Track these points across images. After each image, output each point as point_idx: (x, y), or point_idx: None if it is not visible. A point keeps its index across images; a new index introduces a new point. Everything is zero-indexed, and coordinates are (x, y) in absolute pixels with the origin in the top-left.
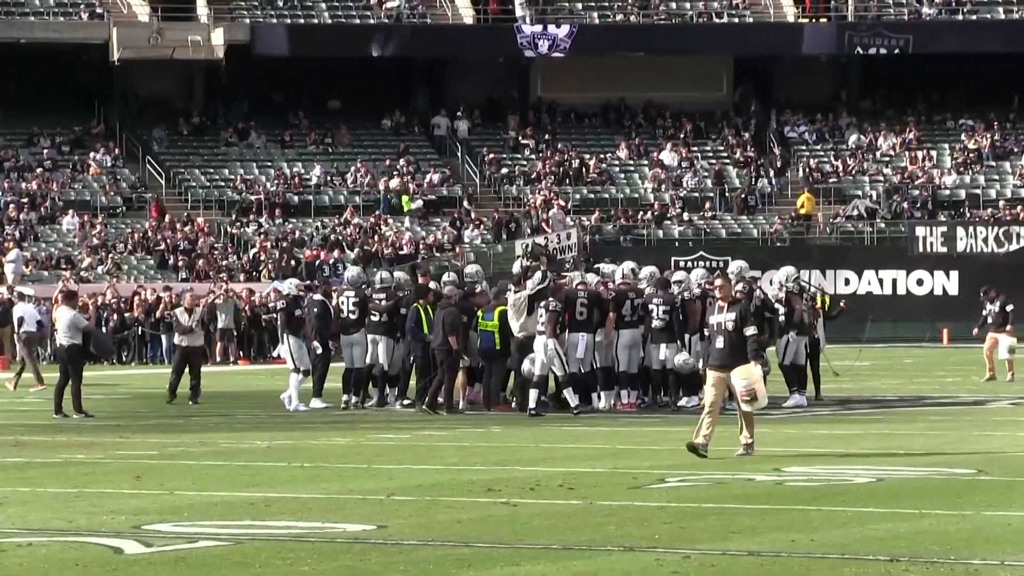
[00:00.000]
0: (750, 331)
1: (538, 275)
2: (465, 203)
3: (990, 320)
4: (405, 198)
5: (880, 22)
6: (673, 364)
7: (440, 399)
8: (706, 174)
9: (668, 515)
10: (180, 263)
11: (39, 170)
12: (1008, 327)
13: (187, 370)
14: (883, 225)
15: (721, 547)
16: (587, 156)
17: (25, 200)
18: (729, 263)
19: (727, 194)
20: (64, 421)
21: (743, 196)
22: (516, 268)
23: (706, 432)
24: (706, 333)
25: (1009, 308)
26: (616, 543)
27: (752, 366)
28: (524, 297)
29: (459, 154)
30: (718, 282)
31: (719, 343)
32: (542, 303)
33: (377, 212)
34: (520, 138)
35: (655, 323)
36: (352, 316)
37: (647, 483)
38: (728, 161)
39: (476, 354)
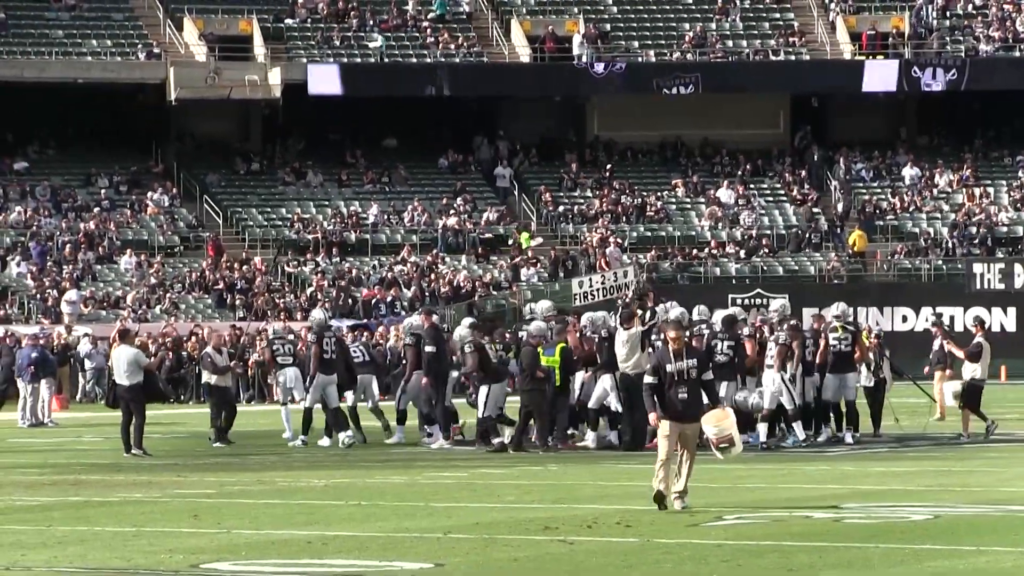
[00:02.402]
0: (708, 375)
1: (649, 312)
2: (517, 242)
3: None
4: (525, 235)
5: (937, 59)
6: (734, 402)
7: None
8: (763, 212)
9: (726, 553)
10: (237, 302)
11: (97, 210)
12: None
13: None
14: (940, 262)
15: None
16: (644, 194)
17: (83, 239)
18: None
19: (784, 231)
20: (127, 459)
21: (800, 233)
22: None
23: (663, 476)
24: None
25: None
26: None
27: (721, 410)
28: (637, 334)
29: (516, 192)
30: (671, 333)
31: (681, 392)
32: (772, 337)
33: (434, 250)
34: (577, 176)
35: (719, 359)
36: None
37: (704, 521)
38: (785, 199)
39: None
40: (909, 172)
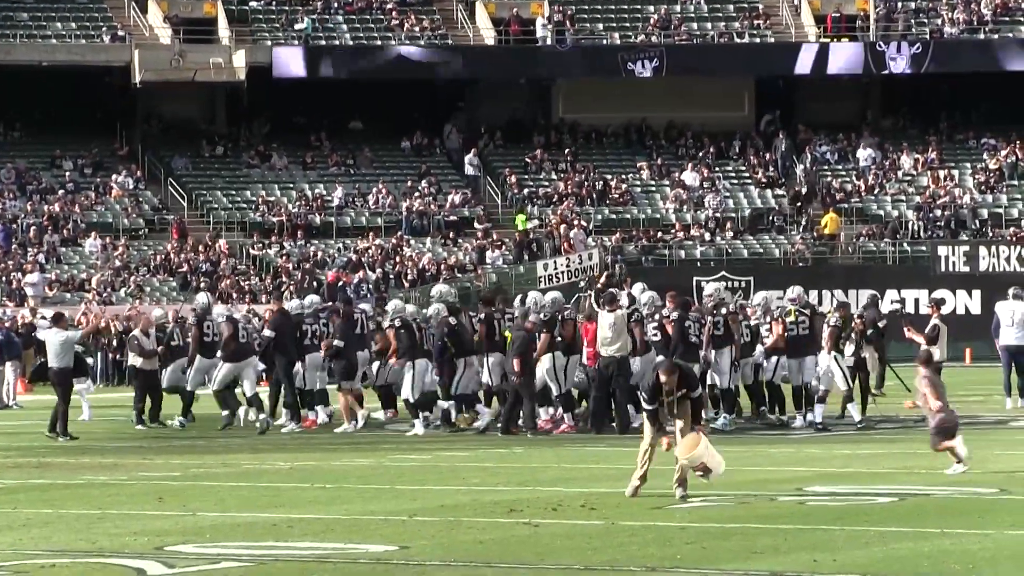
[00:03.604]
0: (697, 392)
1: (626, 298)
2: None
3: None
4: (522, 216)
5: (902, 41)
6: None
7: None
8: (728, 194)
9: (690, 535)
10: (202, 285)
11: (61, 192)
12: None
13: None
14: (905, 245)
15: (743, 567)
16: (608, 177)
17: (48, 222)
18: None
19: (749, 214)
20: (69, 443)
21: (764, 216)
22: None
23: (640, 472)
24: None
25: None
26: (638, 563)
27: (694, 435)
28: (623, 316)
29: (481, 175)
30: (663, 376)
31: (671, 426)
32: (826, 320)
33: (399, 233)
34: (542, 159)
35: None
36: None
37: (669, 503)
38: (750, 181)
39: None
40: (863, 154)
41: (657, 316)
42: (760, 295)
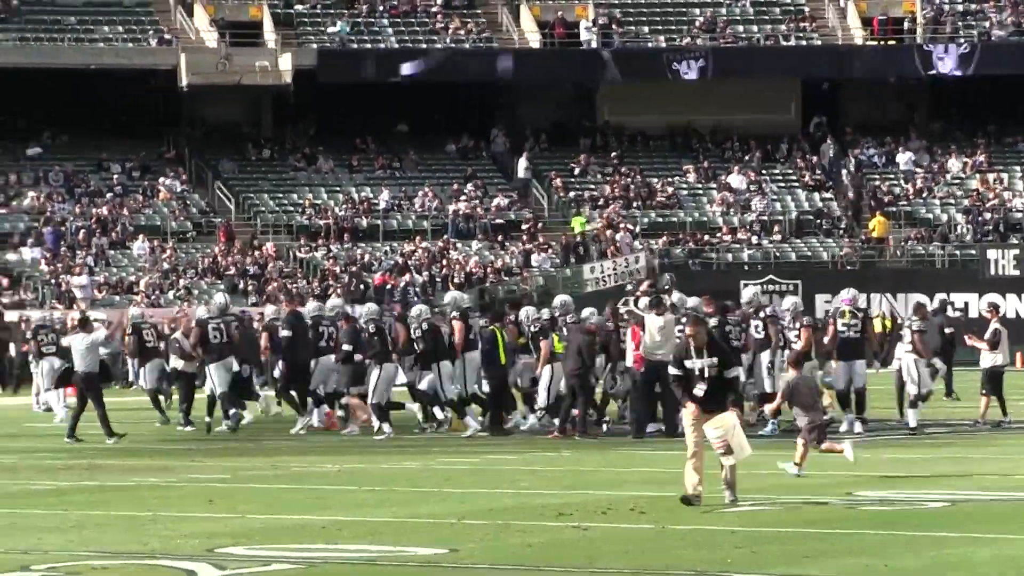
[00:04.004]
0: (732, 373)
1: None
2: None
3: None
4: (580, 219)
5: (949, 44)
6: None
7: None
8: (775, 197)
9: (740, 539)
10: (250, 288)
11: (109, 195)
12: None
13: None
14: (954, 248)
15: (794, 571)
16: (654, 180)
17: (96, 225)
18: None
19: (796, 217)
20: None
21: (812, 219)
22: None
23: (693, 478)
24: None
25: None
26: (688, 567)
27: (727, 414)
28: (672, 320)
29: (528, 179)
30: (688, 329)
31: (698, 389)
32: (909, 325)
33: (445, 236)
34: (588, 162)
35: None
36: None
37: (719, 507)
38: (797, 184)
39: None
40: (904, 157)
41: None
42: (789, 300)
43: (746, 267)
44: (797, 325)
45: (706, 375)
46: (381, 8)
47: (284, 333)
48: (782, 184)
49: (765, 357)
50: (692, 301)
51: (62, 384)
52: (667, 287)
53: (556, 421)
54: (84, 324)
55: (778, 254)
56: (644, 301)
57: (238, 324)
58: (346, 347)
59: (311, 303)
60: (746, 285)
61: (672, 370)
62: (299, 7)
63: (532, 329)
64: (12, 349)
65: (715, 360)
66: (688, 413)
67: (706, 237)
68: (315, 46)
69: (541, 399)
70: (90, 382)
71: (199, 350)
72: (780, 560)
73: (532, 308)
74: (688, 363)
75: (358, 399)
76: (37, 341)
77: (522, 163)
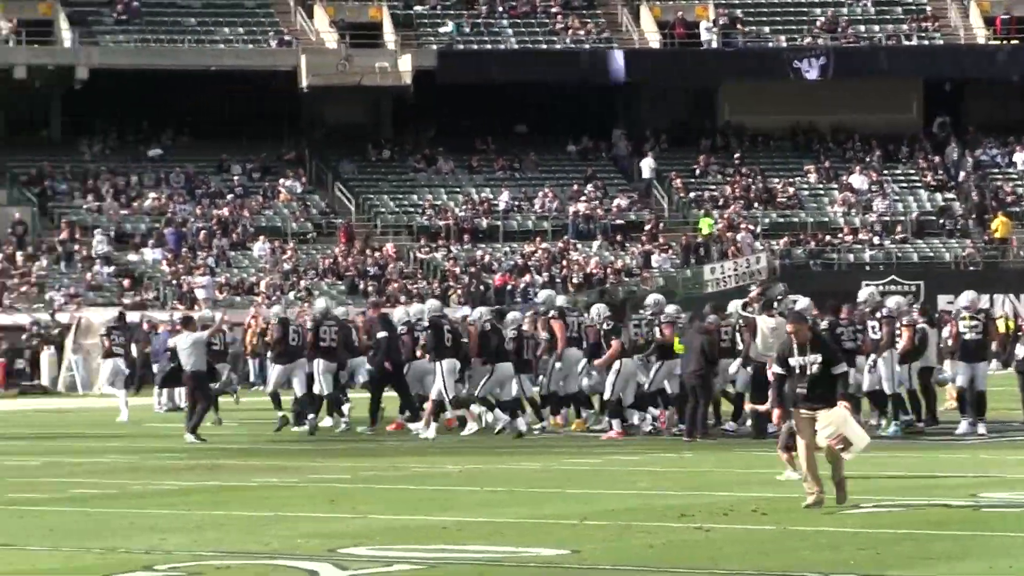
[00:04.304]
0: (839, 369)
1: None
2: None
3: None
4: (707, 220)
5: None
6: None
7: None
8: (896, 198)
9: (863, 541)
10: (370, 288)
11: (230, 196)
12: None
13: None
14: None
15: (917, 573)
16: (775, 180)
17: (217, 226)
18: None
19: (918, 217)
20: (191, 443)
21: (934, 219)
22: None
23: (814, 490)
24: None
25: None
26: (811, 568)
27: (837, 409)
28: (783, 323)
29: (648, 179)
30: (790, 326)
31: (801, 387)
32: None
33: (565, 237)
34: (708, 163)
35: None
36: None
37: (841, 508)
38: (919, 184)
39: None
40: (1021, 157)
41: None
42: (893, 299)
43: (867, 268)
44: (899, 324)
45: (808, 372)
46: (501, 8)
47: (381, 334)
48: (904, 184)
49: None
50: (803, 303)
51: (168, 384)
52: (779, 296)
53: (609, 420)
54: (187, 323)
55: (900, 255)
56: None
57: (338, 328)
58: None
59: (399, 309)
60: (867, 286)
61: (775, 368)
62: (419, 8)
63: (605, 327)
64: (134, 350)
65: (819, 357)
66: (792, 422)
67: (827, 238)
68: (435, 47)
69: (606, 394)
70: (198, 381)
71: (273, 350)
72: (903, 561)
73: (603, 306)
74: (792, 360)
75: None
76: (110, 339)
77: (647, 163)
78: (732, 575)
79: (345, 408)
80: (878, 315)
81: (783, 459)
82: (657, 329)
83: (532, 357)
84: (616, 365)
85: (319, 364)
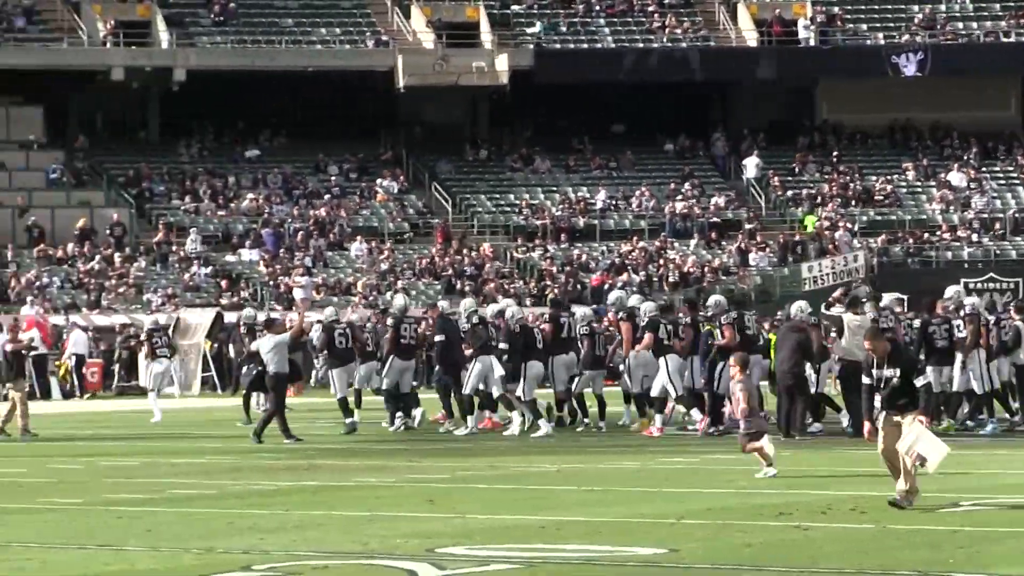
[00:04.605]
0: (920, 381)
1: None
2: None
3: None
4: (811, 217)
5: None
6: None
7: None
8: (995, 195)
9: (962, 539)
10: (466, 288)
11: (327, 196)
12: None
13: None
14: None
15: (1017, 572)
16: (873, 178)
17: (314, 226)
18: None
19: (1017, 215)
20: (297, 445)
21: None
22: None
23: (903, 487)
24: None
25: None
26: (909, 567)
27: (912, 425)
28: (868, 321)
29: (744, 177)
30: (867, 343)
31: (882, 395)
32: None
33: (662, 235)
34: (805, 161)
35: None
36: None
37: (940, 507)
38: (1018, 181)
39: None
40: None
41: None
42: (952, 289)
43: (966, 265)
44: (961, 315)
45: (888, 384)
46: (598, 7)
47: (438, 338)
48: (1002, 181)
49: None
50: (887, 298)
51: (256, 389)
52: (863, 300)
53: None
54: (270, 325)
55: (998, 252)
56: (836, 308)
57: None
58: (503, 345)
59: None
60: (966, 284)
61: (864, 379)
62: (515, 7)
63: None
64: (231, 350)
65: (897, 371)
66: (868, 432)
67: (925, 235)
68: (531, 46)
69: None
70: (279, 382)
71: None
72: (1004, 560)
73: (651, 303)
74: (875, 372)
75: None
76: (151, 343)
77: (752, 161)
78: (831, 573)
79: (417, 412)
80: (961, 313)
81: (752, 452)
82: (718, 331)
83: (603, 353)
84: (663, 360)
85: (398, 363)
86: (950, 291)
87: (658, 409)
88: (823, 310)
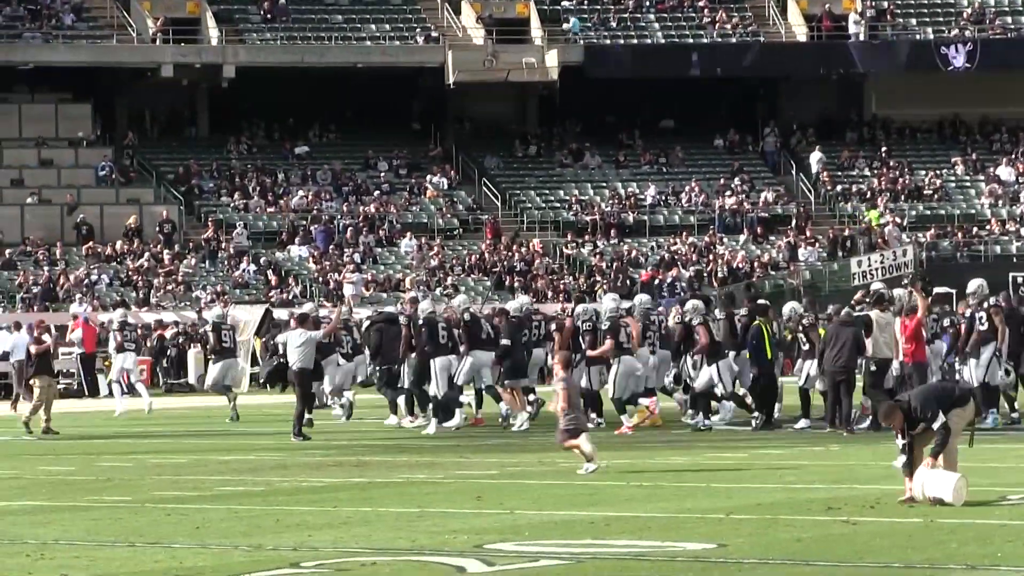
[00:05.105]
0: (937, 423)
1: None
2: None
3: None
4: (874, 212)
5: None
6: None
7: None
8: None
9: (1010, 533)
10: (516, 284)
11: (376, 193)
12: None
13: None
14: None
15: None
16: (922, 172)
17: (364, 223)
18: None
19: None
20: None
21: None
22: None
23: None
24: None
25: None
26: (958, 561)
27: (921, 468)
28: (891, 319)
29: (793, 172)
30: (882, 421)
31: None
32: None
33: (712, 230)
34: (855, 155)
35: None
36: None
37: (988, 500)
38: None
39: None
40: None
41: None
42: (975, 282)
43: (1015, 259)
44: (985, 307)
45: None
46: (648, 3)
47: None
48: None
49: (990, 349)
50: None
51: (274, 380)
52: (887, 297)
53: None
54: (303, 320)
55: None
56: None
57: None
58: (505, 342)
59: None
60: (1015, 278)
61: (899, 442)
62: (565, 3)
63: (596, 326)
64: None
65: (919, 428)
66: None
67: (974, 230)
68: (582, 42)
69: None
70: (303, 378)
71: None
72: None
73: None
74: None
75: (516, 392)
76: (122, 335)
77: (816, 156)
78: (879, 568)
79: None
80: (986, 305)
81: (570, 449)
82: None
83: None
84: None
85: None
86: (973, 284)
87: (620, 410)
88: (850, 310)
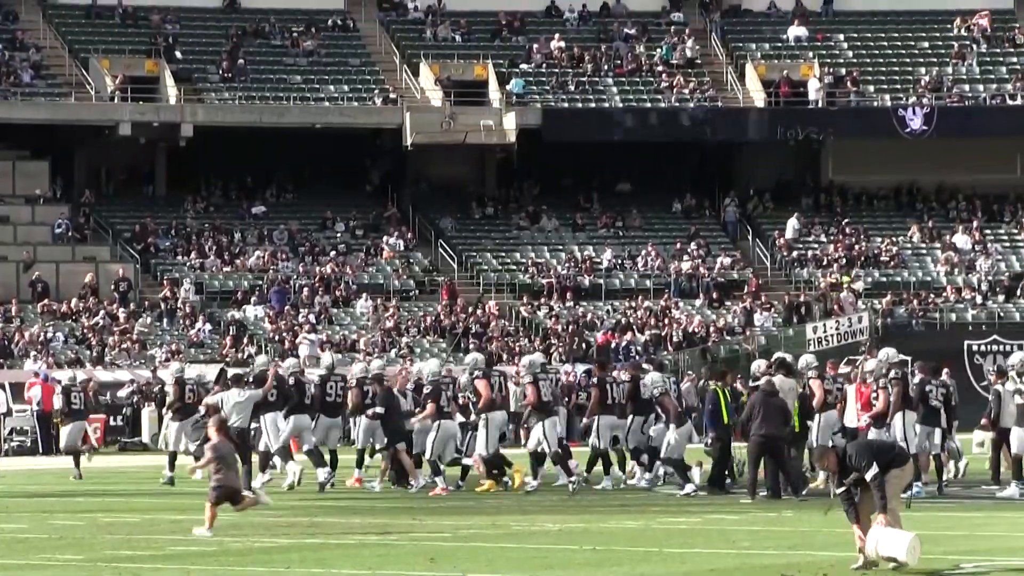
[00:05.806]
0: (869, 474)
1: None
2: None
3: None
4: (847, 277)
5: None
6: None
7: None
8: (1000, 257)
9: None
10: (471, 346)
11: (333, 253)
12: None
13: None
14: None
15: None
16: (878, 239)
17: (320, 283)
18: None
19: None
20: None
21: None
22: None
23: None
24: None
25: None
26: None
27: (873, 527)
28: (794, 386)
29: (750, 237)
30: (816, 462)
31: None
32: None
33: (667, 295)
34: (811, 221)
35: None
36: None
37: (942, 568)
38: (1022, 243)
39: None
40: None
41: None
42: (884, 351)
43: (970, 327)
44: (882, 383)
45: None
46: (606, 67)
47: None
48: (1007, 244)
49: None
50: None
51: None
52: (790, 364)
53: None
54: (239, 380)
55: (1003, 314)
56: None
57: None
58: (378, 410)
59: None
60: (969, 345)
61: (837, 490)
62: (524, 66)
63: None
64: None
65: (852, 476)
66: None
67: (930, 297)
68: (539, 105)
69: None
70: (242, 438)
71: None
72: None
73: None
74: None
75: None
76: (69, 401)
77: (792, 223)
78: None
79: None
80: (890, 375)
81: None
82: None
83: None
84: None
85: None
86: (882, 354)
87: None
88: (750, 382)
